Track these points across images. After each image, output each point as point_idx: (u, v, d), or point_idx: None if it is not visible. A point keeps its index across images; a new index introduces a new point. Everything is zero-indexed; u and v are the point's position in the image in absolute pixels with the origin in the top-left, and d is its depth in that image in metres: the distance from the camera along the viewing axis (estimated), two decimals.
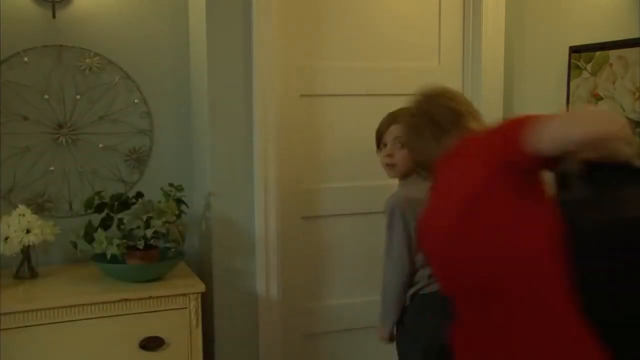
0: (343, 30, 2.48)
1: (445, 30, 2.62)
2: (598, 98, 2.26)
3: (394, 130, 2.06)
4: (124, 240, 2.15)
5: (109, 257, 2.13)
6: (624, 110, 2.17)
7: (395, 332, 2.11)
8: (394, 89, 2.55)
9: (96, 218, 2.25)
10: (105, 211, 2.26)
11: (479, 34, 2.56)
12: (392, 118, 2.10)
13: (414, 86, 2.55)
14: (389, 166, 2.09)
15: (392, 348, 2.67)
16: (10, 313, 1.96)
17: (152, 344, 2.10)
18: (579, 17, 2.38)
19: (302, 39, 2.42)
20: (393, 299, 2.05)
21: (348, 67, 2.49)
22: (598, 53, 2.24)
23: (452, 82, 2.62)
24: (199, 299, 2.16)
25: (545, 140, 1.05)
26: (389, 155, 2.07)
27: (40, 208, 2.40)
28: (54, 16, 2.38)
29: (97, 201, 2.26)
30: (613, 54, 2.19)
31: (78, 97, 2.44)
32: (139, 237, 2.16)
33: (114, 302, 2.06)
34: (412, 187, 2.05)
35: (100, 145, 2.49)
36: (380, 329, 2.14)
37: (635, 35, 2.12)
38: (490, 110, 2.58)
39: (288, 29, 2.38)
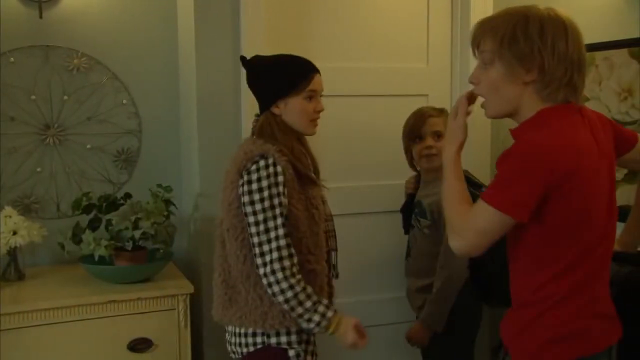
0: (332, 31, 2.48)
1: (434, 31, 2.63)
2: (584, 99, 2.28)
3: (432, 124, 2.19)
4: (112, 242, 2.14)
5: (96, 258, 2.12)
6: (609, 111, 2.19)
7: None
8: (383, 89, 2.56)
9: (84, 219, 2.24)
10: (93, 212, 2.25)
11: (467, 35, 2.56)
12: (425, 113, 2.23)
13: (403, 87, 2.59)
14: (429, 157, 2.20)
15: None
16: None
17: (140, 345, 2.10)
18: None
19: (290, 40, 2.41)
20: (454, 295, 2.11)
21: (337, 67, 2.49)
22: None
23: (441, 83, 2.64)
24: (188, 300, 2.16)
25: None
26: (429, 147, 2.19)
27: (27, 209, 2.39)
28: (40, 16, 2.36)
29: (84, 202, 2.25)
30: (599, 55, 2.21)
31: (65, 97, 2.43)
32: (127, 238, 2.16)
33: (102, 303, 2.05)
34: None
35: (88, 146, 2.48)
36: (422, 331, 2.19)
37: (621, 37, 2.14)
38: (478, 111, 2.58)
39: (277, 30, 2.37)
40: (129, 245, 2.16)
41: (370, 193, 2.57)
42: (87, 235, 2.14)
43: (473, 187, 2.19)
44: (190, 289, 2.16)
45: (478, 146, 2.56)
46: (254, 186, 1.65)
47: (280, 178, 1.66)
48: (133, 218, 2.16)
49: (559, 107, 1.39)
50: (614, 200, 1.46)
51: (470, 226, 1.38)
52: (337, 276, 1.90)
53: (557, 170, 1.31)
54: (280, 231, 1.63)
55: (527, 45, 1.36)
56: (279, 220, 1.63)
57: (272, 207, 1.64)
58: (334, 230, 1.91)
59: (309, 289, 1.65)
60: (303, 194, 1.72)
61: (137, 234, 2.14)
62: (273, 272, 1.61)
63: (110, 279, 2.18)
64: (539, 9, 1.40)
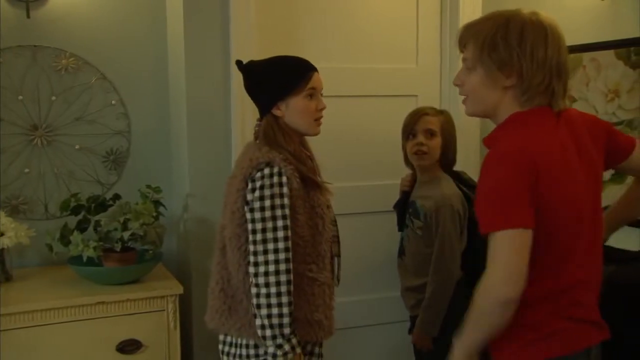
0: (321, 32, 2.49)
1: (423, 32, 2.64)
2: (572, 100, 2.30)
3: (426, 121, 2.19)
4: (101, 243, 2.13)
5: (85, 259, 2.11)
6: (597, 111, 2.21)
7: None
8: (372, 90, 2.56)
9: (72, 220, 2.23)
10: (82, 213, 2.24)
11: (456, 36, 2.58)
12: (420, 111, 2.24)
13: (392, 87, 2.60)
14: (420, 154, 2.20)
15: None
16: None
17: (129, 347, 2.09)
18: None
19: (280, 40, 2.41)
20: (447, 300, 2.12)
21: (327, 68, 2.44)
22: (572, 55, 2.26)
23: (430, 84, 2.65)
24: (177, 301, 2.15)
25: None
26: (420, 144, 2.19)
27: (15, 210, 2.37)
28: (28, 16, 2.35)
29: (73, 203, 2.24)
30: (586, 56, 2.23)
31: (53, 98, 2.41)
32: (116, 239, 2.15)
33: (91, 305, 2.04)
34: (453, 183, 2.19)
35: (77, 146, 2.46)
36: (424, 338, 2.18)
37: (608, 38, 2.16)
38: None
39: (266, 30, 2.37)
40: (118, 247, 2.15)
41: (360, 193, 2.57)
42: (76, 237, 2.13)
43: (467, 188, 2.20)
44: (180, 290, 2.16)
45: (468, 147, 2.56)
46: (257, 194, 1.59)
47: (285, 189, 1.60)
48: (122, 219, 2.15)
49: (528, 112, 1.39)
50: (598, 207, 1.45)
51: (498, 268, 1.30)
52: (338, 283, 1.84)
53: (532, 170, 1.30)
54: (280, 244, 1.58)
55: (506, 51, 1.37)
56: (280, 233, 1.58)
57: (274, 217, 1.58)
58: (338, 236, 1.85)
59: (290, 317, 1.57)
60: (309, 202, 1.67)
61: (126, 235, 2.13)
62: (267, 284, 1.56)
63: (98, 280, 2.17)
64: (522, 14, 1.40)
